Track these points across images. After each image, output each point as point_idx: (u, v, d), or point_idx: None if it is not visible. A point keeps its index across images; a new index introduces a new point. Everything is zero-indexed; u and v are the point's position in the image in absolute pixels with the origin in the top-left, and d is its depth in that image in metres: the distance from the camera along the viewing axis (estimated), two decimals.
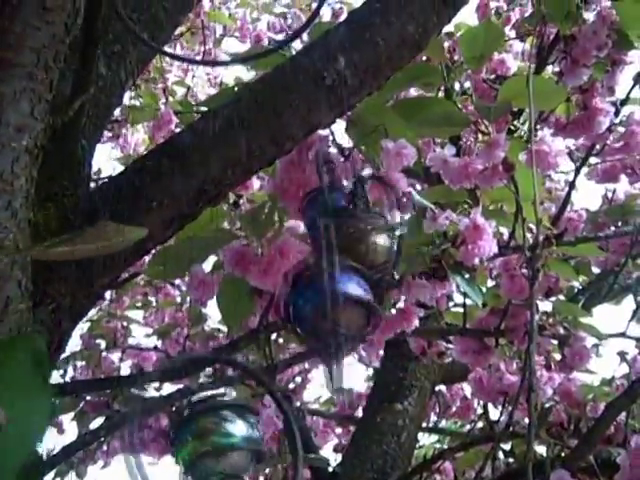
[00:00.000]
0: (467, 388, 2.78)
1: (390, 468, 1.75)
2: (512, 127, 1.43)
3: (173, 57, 3.47)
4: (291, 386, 2.67)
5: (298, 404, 2.43)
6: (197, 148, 0.91)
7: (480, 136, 1.23)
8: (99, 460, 2.39)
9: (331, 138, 1.05)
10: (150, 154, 0.93)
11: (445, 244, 1.15)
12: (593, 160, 2.32)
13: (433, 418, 2.76)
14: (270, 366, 1.48)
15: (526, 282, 1.37)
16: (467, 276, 1.20)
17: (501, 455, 1.94)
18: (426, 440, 2.96)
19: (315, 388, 3.04)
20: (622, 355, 2.36)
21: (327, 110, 0.94)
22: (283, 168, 1.02)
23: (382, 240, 0.85)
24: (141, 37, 0.92)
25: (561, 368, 1.45)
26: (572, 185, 2.10)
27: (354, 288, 0.79)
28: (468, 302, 1.50)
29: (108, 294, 2.83)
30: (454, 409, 2.76)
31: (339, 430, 2.74)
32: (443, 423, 2.86)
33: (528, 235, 1.20)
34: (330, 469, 1.82)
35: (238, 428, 0.77)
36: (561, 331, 1.48)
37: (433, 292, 1.19)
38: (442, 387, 2.72)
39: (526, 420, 2.01)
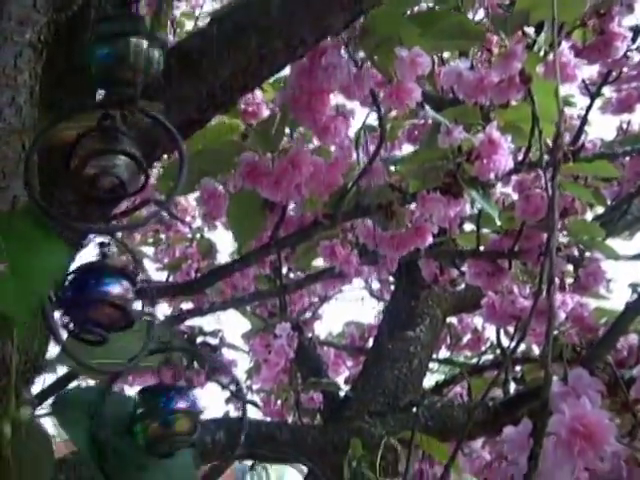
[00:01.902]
0: (478, 320, 2.79)
1: (402, 393, 1.75)
2: (528, 42, 1.38)
3: None
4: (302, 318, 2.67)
5: (310, 335, 2.43)
6: (206, 52, 0.88)
7: (496, 49, 1.19)
8: None
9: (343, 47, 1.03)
10: None
11: (460, 158, 1.13)
12: (608, 94, 2.28)
13: (444, 351, 2.77)
14: (280, 286, 1.48)
15: (541, 202, 1.35)
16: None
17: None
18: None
19: (327, 323, 3.05)
20: (634, 287, 2.35)
21: (339, 13, 0.90)
22: (294, 76, 0.99)
23: None
24: None
25: (575, 289, 1.44)
26: (587, 112, 2.06)
27: None
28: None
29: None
30: (465, 341, 2.77)
31: (350, 363, 2.75)
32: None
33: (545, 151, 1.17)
34: (342, 394, 1.82)
35: None
36: (575, 253, 1.46)
37: (447, 209, 1.17)
38: (453, 319, 2.73)
39: (535, 348, 2.01)
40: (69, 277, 0.55)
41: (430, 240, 1.23)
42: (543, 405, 0.63)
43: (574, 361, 1.11)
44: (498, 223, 1.54)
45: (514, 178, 1.40)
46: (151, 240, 3.10)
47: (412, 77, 0.99)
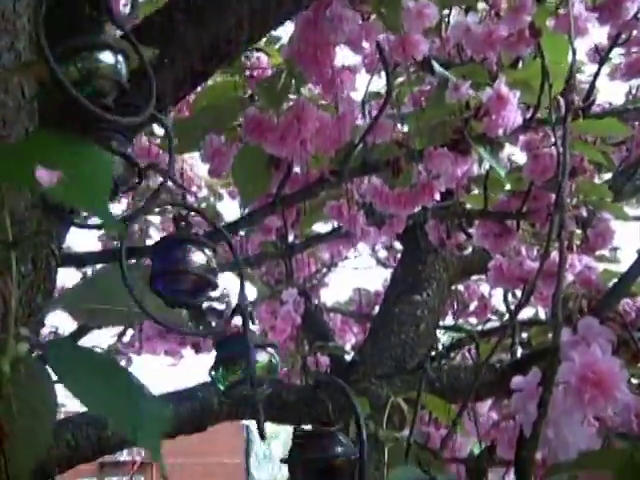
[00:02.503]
0: (485, 288, 2.78)
1: (409, 357, 1.75)
2: None
3: None
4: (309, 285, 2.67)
5: (316, 301, 2.43)
6: (211, 1, 0.86)
7: (504, 3, 1.17)
8: None
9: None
10: (162, 9, 0.89)
11: (467, 114, 1.11)
12: (617, 61, 2.25)
13: (451, 319, 2.76)
14: (286, 247, 1.47)
15: (550, 161, 1.34)
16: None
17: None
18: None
19: (333, 290, 3.05)
20: None
21: None
22: (299, 29, 0.97)
23: None
24: None
25: (583, 250, 1.42)
26: (596, 75, 2.03)
27: None
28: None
29: (125, 200, 2.83)
30: (472, 309, 2.76)
31: (357, 329, 2.75)
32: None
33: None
34: (348, 359, 1.82)
35: None
36: (584, 213, 1.45)
37: (455, 167, 1.16)
38: (460, 287, 2.72)
39: (541, 310, 2.00)
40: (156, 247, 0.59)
41: (437, 198, 1.22)
42: (553, 353, 0.62)
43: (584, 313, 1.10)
44: (507, 187, 1.53)
45: (522, 138, 1.38)
46: (157, 209, 3.09)
47: (419, 29, 0.98)
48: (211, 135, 1.06)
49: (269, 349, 0.63)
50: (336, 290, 3.00)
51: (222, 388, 0.62)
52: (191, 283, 0.59)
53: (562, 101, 1.13)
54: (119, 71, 0.61)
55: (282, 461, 0.70)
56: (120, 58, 0.62)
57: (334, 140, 1.02)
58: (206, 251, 0.60)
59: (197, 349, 2.07)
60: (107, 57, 0.61)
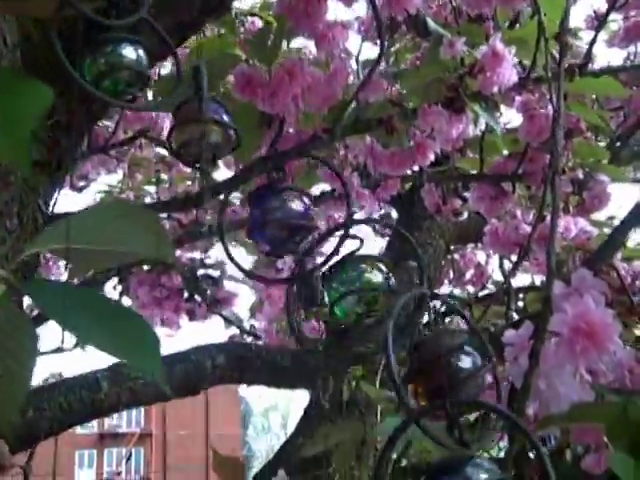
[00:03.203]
0: (481, 257, 2.77)
1: (403, 323, 1.75)
2: None
3: None
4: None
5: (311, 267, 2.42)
6: None
7: None
8: None
9: None
10: None
11: (462, 70, 1.09)
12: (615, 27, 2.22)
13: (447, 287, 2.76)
14: None
15: (546, 122, 1.32)
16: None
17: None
18: None
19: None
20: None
21: None
22: None
23: None
24: None
25: (579, 212, 1.41)
26: (594, 40, 2.01)
27: None
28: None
29: (121, 171, 2.82)
30: (468, 277, 2.76)
31: None
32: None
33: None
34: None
35: None
36: (580, 175, 1.43)
37: (450, 126, 1.14)
38: (456, 255, 2.71)
39: (537, 278, 1.99)
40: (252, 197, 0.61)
41: (431, 159, 1.20)
42: (545, 303, 0.61)
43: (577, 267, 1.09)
44: (504, 152, 1.51)
45: (518, 99, 1.36)
46: (153, 180, 3.08)
47: None
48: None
49: None
50: (333, 260, 2.99)
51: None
52: (290, 231, 0.61)
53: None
54: None
55: None
56: None
57: (326, 97, 1.00)
58: (303, 199, 0.62)
59: (192, 316, 2.07)
60: None
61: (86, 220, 0.49)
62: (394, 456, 0.98)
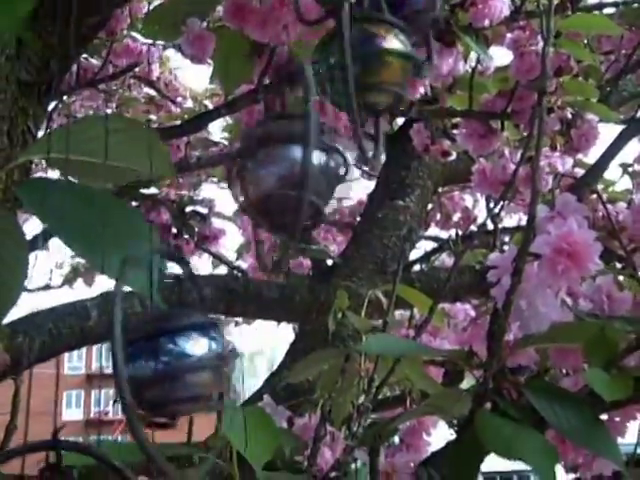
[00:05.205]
0: (468, 199, 2.79)
1: (390, 261, 1.76)
2: None
3: None
4: None
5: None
6: None
7: None
8: None
9: None
10: None
11: (454, 2, 1.09)
12: None
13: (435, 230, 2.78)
14: None
15: (536, 59, 1.32)
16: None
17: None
18: None
19: None
20: (624, 167, 2.36)
21: None
22: None
23: None
24: None
25: (567, 150, 1.42)
26: None
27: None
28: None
29: (109, 111, 2.79)
30: (455, 219, 2.77)
31: (340, 238, 2.75)
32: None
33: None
34: (330, 262, 1.83)
35: None
36: (569, 115, 1.44)
37: (440, 60, 1.14)
38: (444, 199, 2.73)
39: (524, 218, 2.01)
40: None
41: (421, 91, 1.20)
42: (529, 222, 0.63)
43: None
44: (492, 91, 1.51)
45: (509, 36, 1.36)
46: (143, 120, 3.06)
47: None
48: (192, 20, 1.04)
49: None
50: None
51: None
52: None
53: None
54: None
55: None
56: None
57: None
58: None
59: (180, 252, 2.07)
60: None
61: (86, 130, 0.49)
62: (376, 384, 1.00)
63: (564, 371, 0.82)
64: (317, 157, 0.51)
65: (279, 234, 0.49)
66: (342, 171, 0.54)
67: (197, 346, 0.50)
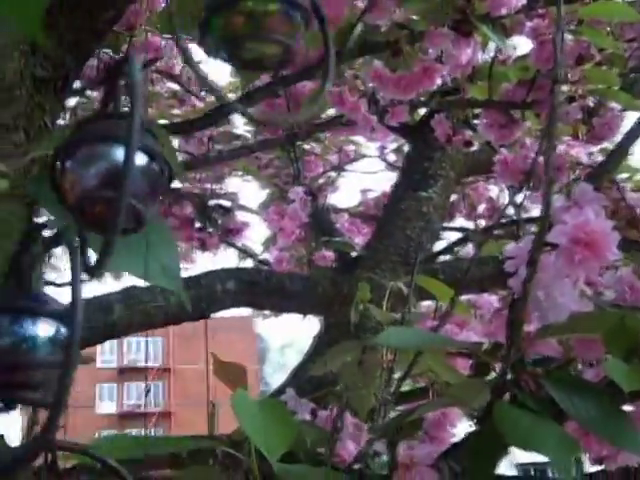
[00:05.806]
0: (494, 189, 2.78)
1: (414, 252, 1.76)
2: None
3: None
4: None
5: (323, 201, 2.43)
6: None
7: None
8: None
9: None
10: None
11: None
12: None
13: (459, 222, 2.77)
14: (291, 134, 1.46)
15: None
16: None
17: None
18: None
19: (343, 195, 3.05)
20: None
21: None
22: None
23: None
24: None
25: (589, 139, 1.41)
26: None
27: None
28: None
29: None
30: (480, 210, 2.76)
31: (365, 230, 2.75)
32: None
33: None
34: (354, 254, 1.83)
35: None
36: (591, 103, 1.42)
37: (458, 50, 1.13)
38: (469, 190, 2.72)
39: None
40: None
41: (438, 82, 1.20)
42: (545, 212, 0.62)
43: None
44: (512, 79, 1.50)
45: (528, 24, 1.35)
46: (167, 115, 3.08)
47: None
48: None
49: None
50: (346, 194, 3.00)
51: None
52: None
53: None
54: None
55: None
56: None
57: (332, 16, 1.00)
58: None
59: (203, 246, 2.09)
60: None
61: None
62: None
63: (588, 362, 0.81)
64: (140, 159, 0.49)
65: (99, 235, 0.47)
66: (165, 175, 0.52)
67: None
